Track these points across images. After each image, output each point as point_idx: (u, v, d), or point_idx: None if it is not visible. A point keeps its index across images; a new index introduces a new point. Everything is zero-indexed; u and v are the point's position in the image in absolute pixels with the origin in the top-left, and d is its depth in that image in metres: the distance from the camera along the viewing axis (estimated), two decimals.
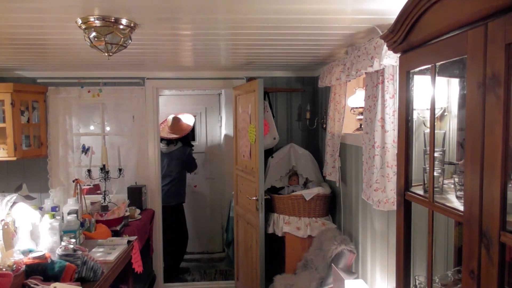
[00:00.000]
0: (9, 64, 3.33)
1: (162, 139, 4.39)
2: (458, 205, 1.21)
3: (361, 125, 2.93)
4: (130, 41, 2.09)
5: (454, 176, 1.38)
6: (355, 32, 2.25)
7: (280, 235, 3.44)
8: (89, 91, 3.80)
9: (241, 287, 3.89)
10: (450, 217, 1.41)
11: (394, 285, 1.53)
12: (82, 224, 2.66)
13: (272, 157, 3.82)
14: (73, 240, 2.25)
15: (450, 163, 1.63)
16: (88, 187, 3.94)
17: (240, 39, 2.48)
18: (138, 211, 3.57)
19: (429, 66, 1.24)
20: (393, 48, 1.45)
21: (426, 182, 1.41)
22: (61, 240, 2.30)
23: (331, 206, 3.49)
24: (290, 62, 3.39)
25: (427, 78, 1.31)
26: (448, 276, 1.53)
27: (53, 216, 2.33)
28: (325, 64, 3.36)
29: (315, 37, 2.40)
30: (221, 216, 5.28)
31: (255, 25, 2.11)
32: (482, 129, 0.96)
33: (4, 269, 1.84)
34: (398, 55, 1.46)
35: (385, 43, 1.51)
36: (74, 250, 2.09)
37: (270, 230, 3.50)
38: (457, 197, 1.29)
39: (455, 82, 1.69)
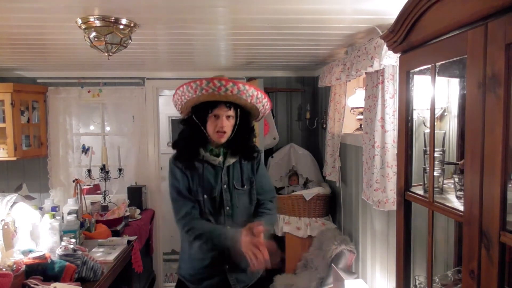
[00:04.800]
0: (9, 64, 3.33)
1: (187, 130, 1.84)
2: (458, 205, 1.21)
3: (361, 125, 2.94)
4: (130, 41, 2.09)
5: (454, 176, 1.38)
6: (355, 32, 2.25)
7: (280, 235, 3.44)
8: (89, 91, 3.80)
9: None
10: (450, 217, 1.40)
11: (394, 285, 1.53)
12: (82, 224, 2.66)
13: (272, 157, 3.82)
14: (73, 240, 2.25)
15: (450, 163, 1.63)
16: (88, 187, 3.94)
17: (240, 39, 2.48)
18: (138, 211, 3.57)
19: (429, 66, 1.24)
20: (393, 48, 1.45)
21: (426, 182, 1.41)
22: (61, 240, 2.29)
23: (331, 206, 3.49)
24: (290, 62, 3.39)
25: (427, 78, 1.31)
26: (448, 276, 1.53)
27: (53, 216, 2.33)
28: (325, 64, 3.36)
29: (315, 37, 2.40)
30: None
31: (255, 25, 2.11)
32: (482, 129, 0.96)
33: (4, 269, 1.84)
34: (398, 55, 1.46)
35: (385, 43, 1.51)
36: (74, 250, 2.08)
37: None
38: (457, 197, 1.29)
39: (455, 82, 1.68)
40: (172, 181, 1.83)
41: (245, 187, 1.88)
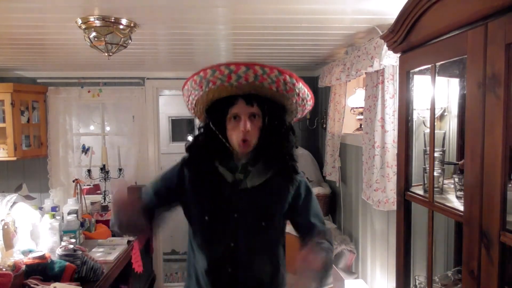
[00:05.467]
0: (9, 64, 3.33)
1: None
2: (458, 205, 1.21)
3: (361, 125, 2.93)
4: (130, 41, 2.09)
5: (454, 176, 1.38)
6: (355, 32, 2.25)
7: None
8: (89, 91, 3.80)
9: None
10: (450, 217, 1.40)
11: (394, 285, 1.53)
12: (82, 224, 2.66)
13: None
14: (73, 240, 2.25)
15: (450, 163, 1.63)
16: (88, 187, 3.94)
17: (241, 39, 2.48)
18: None
19: (429, 66, 1.24)
20: (393, 48, 1.45)
21: (426, 182, 1.41)
22: (61, 240, 2.29)
23: (331, 206, 3.49)
24: (290, 62, 3.39)
25: (427, 78, 1.31)
26: (448, 276, 1.53)
27: (53, 216, 2.33)
28: (325, 64, 3.36)
29: (315, 37, 2.40)
30: None
31: (255, 25, 2.11)
32: (482, 129, 0.96)
33: (4, 269, 1.84)
34: (398, 55, 1.46)
35: (385, 43, 1.51)
36: (74, 250, 2.09)
37: None
38: (457, 197, 1.29)
39: (455, 82, 1.69)
40: (166, 173, 1.46)
41: (265, 223, 1.35)
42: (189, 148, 1.41)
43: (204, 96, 1.28)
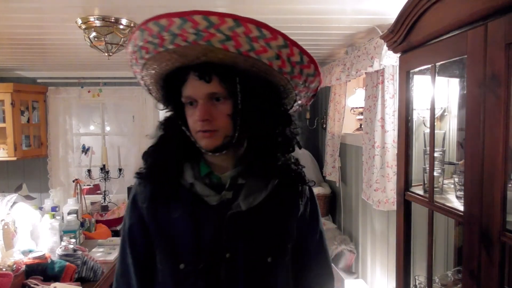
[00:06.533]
0: (9, 64, 3.33)
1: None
2: (458, 205, 1.21)
3: (361, 125, 2.94)
4: None
5: (454, 176, 1.38)
6: (355, 32, 2.25)
7: None
8: (89, 91, 3.81)
9: None
10: (450, 217, 1.40)
11: (394, 285, 1.53)
12: (82, 224, 2.66)
13: None
14: (73, 240, 2.25)
15: (450, 163, 1.63)
16: (88, 187, 3.95)
17: None
18: None
19: (429, 66, 1.24)
20: (393, 48, 1.45)
21: (426, 182, 1.41)
22: (61, 240, 2.29)
23: (331, 206, 3.49)
24: None
25: (427, 78, 1.31)
26: (448, 276, 1.53)
27: (53, 216, 2.33)
28: (325, 64, 3.36)
29: (315, 37, 2.40)
30: None
31: None
32: (482, 129, 0.96)
33: (4, 269, 1.83)
34: (398, 55, 1.46)
35: (385, 43, 1.51)
36: (74, 250, 2.08)
37: None
38: (457, 197, 1.29)
39: (455, 82, 1.68)
40: (124, 228, 0.96)
41: (272, 258, 0.90)
42: (145, 156, 0.98)
43: (145, 72, 0.87)
